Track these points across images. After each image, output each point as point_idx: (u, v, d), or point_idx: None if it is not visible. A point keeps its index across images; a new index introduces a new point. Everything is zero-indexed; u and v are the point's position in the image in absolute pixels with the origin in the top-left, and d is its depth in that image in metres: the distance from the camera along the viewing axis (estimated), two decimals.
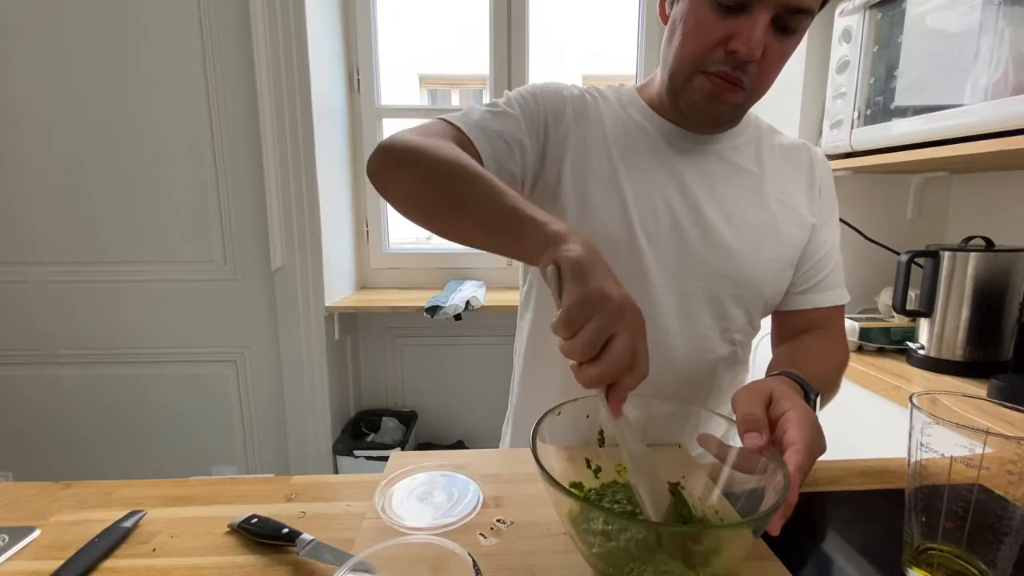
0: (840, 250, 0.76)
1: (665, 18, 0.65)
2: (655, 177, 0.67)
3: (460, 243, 0.54)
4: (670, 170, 0.67)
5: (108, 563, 0.45)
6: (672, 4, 0.63)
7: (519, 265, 0.78)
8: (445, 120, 0.62)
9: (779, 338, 0.78)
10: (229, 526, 0.50)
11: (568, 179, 0.66)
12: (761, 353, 0.78)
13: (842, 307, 0.76)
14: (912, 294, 1.10)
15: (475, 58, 1.95)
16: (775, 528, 0.41)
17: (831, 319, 0.75)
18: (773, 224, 0.69)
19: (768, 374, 0.62)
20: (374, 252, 2.03)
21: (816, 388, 0.57)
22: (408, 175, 0.55)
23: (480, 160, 0.59)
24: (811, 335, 0.74)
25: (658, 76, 0.68)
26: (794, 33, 0.58)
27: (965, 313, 1.05)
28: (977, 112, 0.93)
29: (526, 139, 0.65)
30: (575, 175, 0.66)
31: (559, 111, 0.68)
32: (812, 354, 0.70)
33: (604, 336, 0.39)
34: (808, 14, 0.57)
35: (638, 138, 0.68)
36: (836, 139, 1.26)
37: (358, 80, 1.89)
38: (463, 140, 0.60)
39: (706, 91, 0.60)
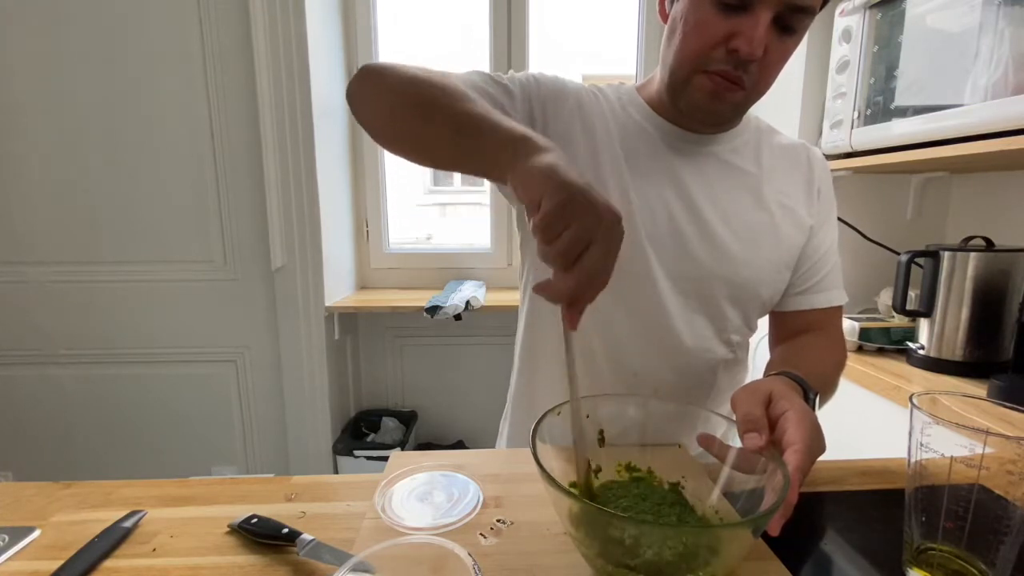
0: (838, 251, 0.76)
1: (665, 16, 0.64)
2: (654, 178, 0.67)
3: (430, 164, 0.52)
4: (669, 171, 0.67)
5: (108, 563, 0.46)
6: (672, 2, 0.63)
7: (519, 264, 0.78)
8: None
9: (776, 339, 0.79)
10: (229, 526, 0.50)
11: (581, 164, 0.65)
12: (760, 354, 0.78)
13: (840, 308, 0.76)
14: (912, 294, 1.10)
15: (475, 58, 1.95)
16: (775, 528, 0.41)
17: (829, 320, 0.75)
18: (771, 225, 0.69)
19: (767, 374, 0.62)
20: (374, 252, 2.02)
21: (815, 388, 0.57)
22: (382, 89, 0.53)
23: None
24: (809, 336, 0.74)
25: (658, 75, 0.68)
26: (795, 32, 0.58)
27: (965, 313, 1.05)
28: (977, 112, 0.93)
29: (515, 116, 0.63)
30: (587, 165, 0.66)
31: (560, 96, 0.67)
32: (810, 354, 0.70)
33: (583, 244, 0.38)
34: (809, 13, 0.57)
35: (638, 138, 0.68)
36: (836, 139, 1.26)
37: None
38: None
39: (707, 90, 0.60)
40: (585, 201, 0.39)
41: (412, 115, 0.51)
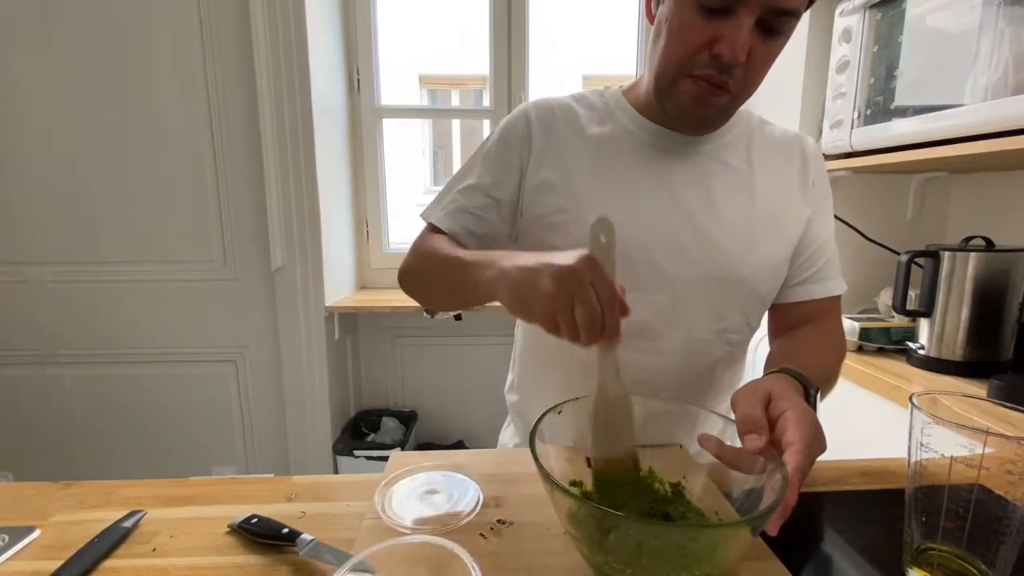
0: (835, 240, 0.75)
1: (651, 17, 0.64)
2: (644, 181, 0.67)
3: (463, 309, 0.75)
4: (659, 173, 0.67)
5: (108, 563, 0.46)
6: (658, 3, 0.62)
7: None
8: (429, 225, 0.72)
9: (776, 331, 0.78)
10: (229, 526, 0.50)
11: (549, 192, 0.68)
12: (761, 350, 0.78)
13: (838, 297, 0.75)
14: (912, 294, 1.10)
15: (475, 58, 1.95)
16: (773, 528, 0.41)
17: (827, 310, 0.75)
18: (765, 221, 0.68)
19: (766, 370, 0.62)
20: (374, 252, 2.03)
21: (815, 382, 0.57)
22: (416, 286, 0.74)
23: (461, 240, 0.70)
24: (808, 327, 0.73)
25: (645, 77, 0.68)
26: (780, 35, 0.57)
27: (965, 313, 1.05)
28: (977, 112, 0.93)
29: (497, 193, 0.70)
30: (556, 187, 0.68)
31: (525, 138, 0.70)
32: (809, 346, 0.69)
33: (568, 314, 0.45)
34: (793, 15, 0.56)
35: (625, 142, 0.68)
36: (836, 139, 1.26)
37: (358, 80, 1.89)
38: (443, 235, 0.71)
39: (692, 94, 0.60)
40: (544, 295, 0.46)
41: (441, 301, 0.73)
